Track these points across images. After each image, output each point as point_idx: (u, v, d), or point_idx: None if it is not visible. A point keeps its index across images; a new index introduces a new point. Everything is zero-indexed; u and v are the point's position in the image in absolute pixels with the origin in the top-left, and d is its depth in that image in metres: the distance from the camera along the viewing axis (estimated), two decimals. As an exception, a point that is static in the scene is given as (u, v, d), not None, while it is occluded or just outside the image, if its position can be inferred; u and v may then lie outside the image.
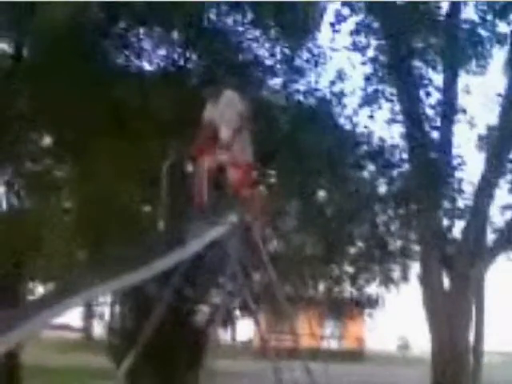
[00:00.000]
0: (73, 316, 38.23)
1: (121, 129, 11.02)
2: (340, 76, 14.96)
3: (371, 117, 15.17)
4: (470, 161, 15.02)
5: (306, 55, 14.53)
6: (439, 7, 14.75)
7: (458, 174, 14.88)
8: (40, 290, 20.50)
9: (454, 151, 14.79)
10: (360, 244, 16.76)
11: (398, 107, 15.02)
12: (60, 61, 10.87)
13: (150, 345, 7.86)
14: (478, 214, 14.15)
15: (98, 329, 39.39)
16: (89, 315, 39.98)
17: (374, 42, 15.01)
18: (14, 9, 11.54)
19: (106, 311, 33.12)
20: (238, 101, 8.36)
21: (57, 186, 13.99)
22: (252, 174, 8.34)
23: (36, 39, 11.96)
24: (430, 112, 14.82)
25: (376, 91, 15.05)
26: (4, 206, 14.22)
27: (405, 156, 15.34)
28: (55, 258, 14.32)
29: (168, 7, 11.86)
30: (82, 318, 42.43)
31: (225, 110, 8.28)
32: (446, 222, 14.80)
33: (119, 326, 15.85)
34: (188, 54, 13.64)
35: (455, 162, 14.83)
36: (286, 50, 14.22)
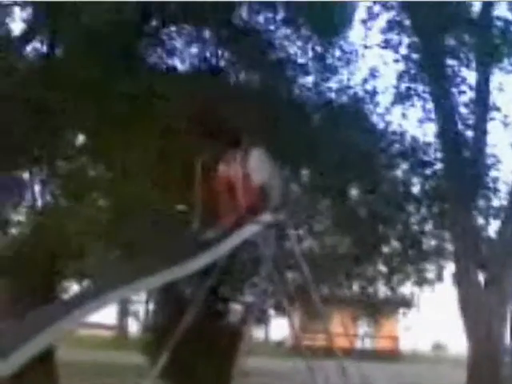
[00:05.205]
0: (107, 314, 38.60)
1: (155, 127, 11.07)
2: (372, 74, 14.94)
3: (404, 115, 15.13)
4: (505, 160, 14.88)
5: (337, 53, 14.51)
6: (472, 5, 14.60)
7: (492, 173, 14.77)
8: (75, 288, 20.72)
9: (489, 150, 14.68)
10: (394, 243, 16.69)
11: (430, 105, 14.93)
12: (95, 59, 10.94)
13: (184, 343, 7.89)
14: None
15: (133, 327, 39.77)
16: (123, 313, 40.32)
17: (406, 40, 14.94)
18: (49, 8, 11.63)
19: (141, 309, 33.48)
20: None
21: (92, 185, 14.10)
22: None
23: (70, 38, 12.03)
24: (463, 110, 14.69)
25: (409, 89, 14.97)
26: (40, 204, 14.36)
27: (438, 155, 15.24)
28: (90, 257, 14.45)
29: (200, 5, 11.88)
30: (116, 316, 42.82)
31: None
32: (480, 221, 14.70)
33: (153, 324, 15.95)
34: (220, 53, 13.68)
35: (489, 160, 14.70)
36: (318, 48, 14.20)
